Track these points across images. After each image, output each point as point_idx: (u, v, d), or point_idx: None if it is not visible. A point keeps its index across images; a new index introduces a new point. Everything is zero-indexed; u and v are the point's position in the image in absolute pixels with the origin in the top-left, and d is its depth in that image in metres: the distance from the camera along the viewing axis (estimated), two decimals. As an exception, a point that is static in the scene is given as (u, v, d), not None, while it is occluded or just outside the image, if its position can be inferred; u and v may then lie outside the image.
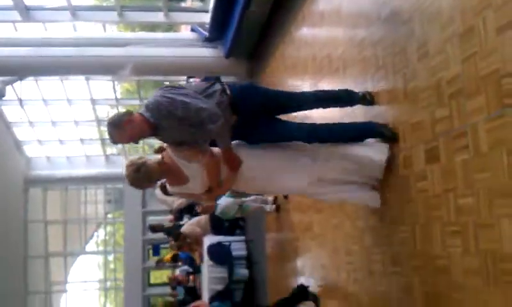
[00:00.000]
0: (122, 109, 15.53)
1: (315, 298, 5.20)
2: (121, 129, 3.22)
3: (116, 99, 14.64)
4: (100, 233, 22.12)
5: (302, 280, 5.67)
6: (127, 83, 15.95)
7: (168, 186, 3.67)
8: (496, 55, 2.30)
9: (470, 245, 2.52)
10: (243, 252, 8.68)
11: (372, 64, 3.75)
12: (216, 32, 8.45)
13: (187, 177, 3.34)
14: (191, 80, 9.81)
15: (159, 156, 3.47)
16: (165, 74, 9.96)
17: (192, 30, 10.04)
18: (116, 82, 13.73)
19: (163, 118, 3.20)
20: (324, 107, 3.86)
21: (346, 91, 3.85)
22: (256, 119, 3.45)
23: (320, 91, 4.15)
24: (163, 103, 3.19)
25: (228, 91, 3.36)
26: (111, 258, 20.66)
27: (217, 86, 3.37)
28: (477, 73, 2.44)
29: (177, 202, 10.18)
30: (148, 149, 15.00)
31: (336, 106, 3.95)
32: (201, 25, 9.22)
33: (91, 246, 20.99)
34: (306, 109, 3.92)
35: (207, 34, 8.87)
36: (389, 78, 3.45)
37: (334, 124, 3.71)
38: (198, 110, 3.15)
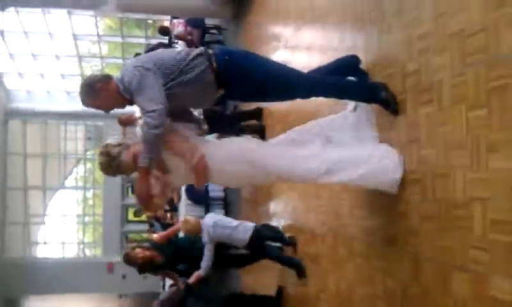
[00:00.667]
0: (104, 46, 15.57)
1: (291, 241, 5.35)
2: (95, 93, 3.05)
3: (98, 35, 14.52)
4: (80, 170, 22.15)
5: (274, 222, 5.91)
6: (109, 18, 15.72)
7: None
8: (464, 14, 2.44)
9: (428, 193, 2.72)
10: (220, 194, 8.90)
11: (351, 14, 3.86)
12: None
13: (169, 169, 3.12)
14: (175, 20, 9.80)
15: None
16: (150, 13, 9.91)
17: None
18: (98, 17, 13.56)
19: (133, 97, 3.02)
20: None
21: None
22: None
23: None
24: (132, 83, 2.98)
25: (215, 65, 3.05)
26: (89, 194, 20.86)
27: (202, 61, 3.06)
28: (445, 31, 2.58)
29: None
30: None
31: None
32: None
33: (70, 182, 21.06)
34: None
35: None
36: (366, 29, 3.58)
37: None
38: (145, 106, 2.93)
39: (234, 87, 3.15)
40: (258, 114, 7.20)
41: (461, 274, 2.43)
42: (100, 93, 3.04)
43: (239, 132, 7.33)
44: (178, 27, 9.61)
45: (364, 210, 3.52)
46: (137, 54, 8.46)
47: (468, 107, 2.39)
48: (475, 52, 2.35)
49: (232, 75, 3.09)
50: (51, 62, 15.13)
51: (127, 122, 7.37)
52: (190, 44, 9.39)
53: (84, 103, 3.13)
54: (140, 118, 6.81)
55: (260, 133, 7.06)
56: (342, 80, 3.38)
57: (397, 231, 3.04)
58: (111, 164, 3.16)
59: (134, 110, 7.00)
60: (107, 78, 3.09)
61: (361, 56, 3.48)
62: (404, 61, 2.98)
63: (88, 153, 20.75)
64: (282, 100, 3.70)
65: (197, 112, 6.63)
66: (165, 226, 9.84)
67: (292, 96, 3.42)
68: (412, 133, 2.88)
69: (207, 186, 8.58)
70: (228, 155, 3.14)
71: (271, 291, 5.75)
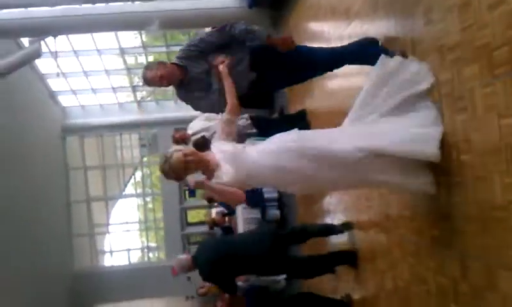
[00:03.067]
0: (150, 57, 15.99)
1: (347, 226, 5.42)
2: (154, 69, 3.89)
3: (144, 47, 14.97)
4: (137, 176, 22.85)
5: (328, 219, 6.10)
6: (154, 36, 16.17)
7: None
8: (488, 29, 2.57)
9: (469, 195, 2.86)
10: (274, 195, 9.12)
11: (383, 24, 4.01)
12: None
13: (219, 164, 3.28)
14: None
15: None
16: (191, 27, 10.23)
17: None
18: (143, 34, 13.99)
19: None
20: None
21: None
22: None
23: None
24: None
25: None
26: (148, 199, 21.49)
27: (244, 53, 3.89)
28: (473, 43, 2.71)
29: None
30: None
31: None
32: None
33: (129, 189, 21.80)
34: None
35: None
36: (399, 38, 3.72)
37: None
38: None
39: None
40: (303, 115, 7.39)
41: (506, 272, 2.56)
42: (159, 66, 4.03)
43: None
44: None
45: (411, 212, 3.67)
46: None
47: (499, 115, 2.53)
48: (501, 64, 2.48)
49: None
50: (102, 77, 15.70)
51: (181, 139, 7.68)
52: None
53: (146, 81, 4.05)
54: (192, 135, 7.14)
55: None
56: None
57: (443, 232, 3.19)
58: (164, 169, 3.31)
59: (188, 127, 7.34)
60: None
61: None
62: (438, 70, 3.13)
63: (144, 159, 21.41)
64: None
65: (244, 119, 6.94)
66: (224, 228, 10.16)
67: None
68: (451, 138, 3.02)
69: (261, 188, 8.82)
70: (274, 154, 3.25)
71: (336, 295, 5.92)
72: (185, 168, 3.28)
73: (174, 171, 3.30)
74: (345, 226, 5.39)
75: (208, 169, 3.32)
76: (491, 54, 2.55)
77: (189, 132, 7.40)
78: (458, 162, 2.95)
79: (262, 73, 3.99)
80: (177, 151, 3.30)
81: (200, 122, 7.25)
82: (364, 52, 3.92)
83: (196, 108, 4.25)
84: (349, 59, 4.13)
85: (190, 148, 3.93)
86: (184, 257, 5.41)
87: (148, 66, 4.01)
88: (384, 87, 3.31)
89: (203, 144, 7.08)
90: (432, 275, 3.40)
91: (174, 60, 3.98)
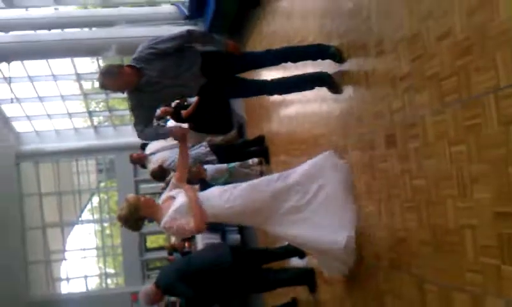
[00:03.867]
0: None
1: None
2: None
3: (101, 72, 14.84)
4: (94, 202, 22.47)
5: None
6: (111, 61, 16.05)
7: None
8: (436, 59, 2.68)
9: (423, 220, 2.94)
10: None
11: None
12: (196, 9, 8.69)
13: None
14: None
15: None
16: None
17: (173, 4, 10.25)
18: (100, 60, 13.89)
19: None
20: (296, 61, 4.43)
21: (318, 45, 4.34)
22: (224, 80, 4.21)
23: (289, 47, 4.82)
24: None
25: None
26: (106, 224, 21.12)
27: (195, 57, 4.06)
28: (423, 73, 2.82)
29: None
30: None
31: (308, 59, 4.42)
32: (182, 3, 9.45)
33: (86, 215, 21.40)
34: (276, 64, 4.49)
35: (187, 12, 9.11)
36: (353, 68, 3.82)
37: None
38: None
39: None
40: (261, 140, 7.48)
41: (461, 295, 2.63)
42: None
43: (245, 158, 7.63)
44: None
45: (370, 235, 3.74)
46: None
47: (449, 142, 2.62)
48: (450, 93, 2.58)
49: None
50: (57, 102, 15.46)
51: (138, 159, 7.64)
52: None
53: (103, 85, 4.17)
54: (150, 155, 7.11)
55: (265, 156, 7.35)
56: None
57: (399, 256, 3.26)
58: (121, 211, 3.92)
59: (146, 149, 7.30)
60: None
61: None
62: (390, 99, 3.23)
63: (101, 185, 21.08)
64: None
65: (203, 146, 6.95)
66: (184, 254, 10.07)
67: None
68: (404, 165, 3.11)
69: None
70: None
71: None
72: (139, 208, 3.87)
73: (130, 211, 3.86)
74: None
75: (157, 216, 3.90)
76: (440, 83, 2.66)
77: (147, 152, 7.37)
78: (412, 187, 3.04)
79: (211, 78, 4.16)
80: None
81: (157, 143, 7.20)
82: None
83: (137, 118, 4.24)
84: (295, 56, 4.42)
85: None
86: (148, 287, 5.18)
87: (106, 73, 3.96)
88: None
89: (160, 174, 7.08)
90: (391, 299, 3.46)
91: (131, 62, 4.00)
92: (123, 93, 4.11)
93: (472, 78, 2.40)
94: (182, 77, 4.00)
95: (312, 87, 4.37)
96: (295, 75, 4.55)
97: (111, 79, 3.91)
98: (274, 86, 4.40)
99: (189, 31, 4.01)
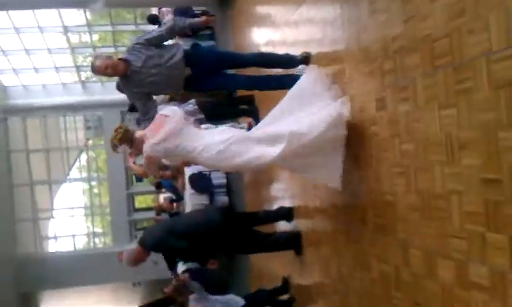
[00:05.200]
0: (94, 35, 15.59)
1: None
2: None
3: (88, 25, 14.55)
4: (82, 160, 22.35)
5: (276, 206, 6.12)
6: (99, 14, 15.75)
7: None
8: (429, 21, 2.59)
9: (411, 184, 2.91)
10: (223, 181, 9.09)
11: (329, 11, 4.01)
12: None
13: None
14: (163, 9, 9.87)
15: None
16: (137, 5, 9.98)
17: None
18: (88, 13, 13.61)
19: None
20: (268, 67, 4.96)
21: (287, 55, 4.76)
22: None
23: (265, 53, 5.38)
24: None
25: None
26: (94, 183, 21.07)
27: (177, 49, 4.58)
28: (415, 34, 2.73)
29: None
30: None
31: (278, 68, 4.87)
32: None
33: (74, 173, 21.30)
34: (251, 66, 4.94)
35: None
36: (345, 30, 3.72)
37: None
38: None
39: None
40: (250, 100, 7.38)
41: (445, 261, 2.62)
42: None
43: (233, 116, 7.57)
44: (168, 15, 9.68)
45: (356, 200, 3.71)
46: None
47: (440, 106, 2.56)
48: (442, 55, 2.51)
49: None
50: (44, 56, 15.18)
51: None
52: (180, 33, 9.47)
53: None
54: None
55: (254, 115, 7.27)
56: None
57: (386, 220, 3.24)
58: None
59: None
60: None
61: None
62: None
63: (90, 142, 20.93)
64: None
65: (191, 104, 6.85)
66: (172, 215, 10.06)
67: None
68: (394, 128, 3.06)
69: (209, 174, 8.78)
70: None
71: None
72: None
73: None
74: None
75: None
76: (432, 45, 2.58)
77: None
78: (400, 151, 2.99)
79: (194, 69, 4.58)
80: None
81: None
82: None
83: (131, 100, 5.01)
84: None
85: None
86: (131, 247, 5.12)
87: (97, 57, 4.53)
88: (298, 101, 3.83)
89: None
90: (376, 263, 3.46)
91: (120, 56, 4.56)
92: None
93: (465, 41, 2.33)
94: (165, 66, 4.46)
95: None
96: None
97: (99, 63, 4.43)
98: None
99: (171, 27, 4.53)
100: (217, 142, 3.67)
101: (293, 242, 5.24)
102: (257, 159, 3.61)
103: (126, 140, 4.04)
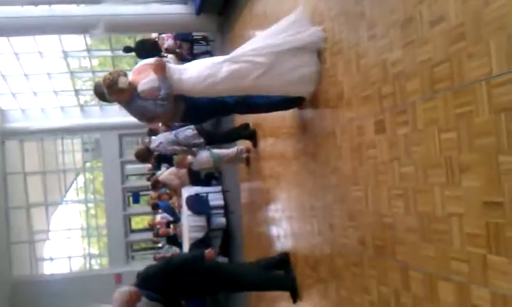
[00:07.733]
0: (94, 60, 15.70)
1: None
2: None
3: (88, 50, 14.64)
4: (80, 182, 22.29)
5: (273, 228, 6.11)
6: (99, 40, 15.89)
7: None
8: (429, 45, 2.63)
9: (410, 207, 2.92)
10: (220, 202, 9.08)
11: (329, 36, 4.06)
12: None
13: None
14: (163, 35, 9.97)
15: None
16: (136, 31, 10.07)
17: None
18: (88, 38, 13.71)
19: None
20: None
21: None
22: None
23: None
24: None
25: None
26: (91, 205, 20.97)
27: None
28: (415, 58, 2.77)
29: None
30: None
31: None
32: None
33: (71, 194, 21.21)
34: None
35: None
36: (344, 52, 3.77)
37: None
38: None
39: None
40: (247, 126, 7.40)
41: (445, 284, 2.62)
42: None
43: (232, 141, 7.61)
44: (168, 40, 9.77)
45: (355, 222, 3.72)
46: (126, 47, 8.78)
47: (439, 129, 2.59)
48: (442, 79, 2.54)
49: None
50: (43, 80, 15.25)
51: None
52: (180, 57, 9.56)
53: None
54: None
55: (253, 139, 7.29)
56: None
57: (386, 242, 3.24)
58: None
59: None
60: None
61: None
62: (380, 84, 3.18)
63: (87, 164, 20.89)
64: None
65: (191, 129, 6.89)
66: (169, 239, 10.04)
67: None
68: (392, 152, 3.08)
69: (206, 196, 8.78)
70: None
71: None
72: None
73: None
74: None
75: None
76: (432, 69, 2.62)
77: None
78: (400, 174, 3.01)
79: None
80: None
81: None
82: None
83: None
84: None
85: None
86: (123, 289, 4.80)
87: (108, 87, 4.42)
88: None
89: (144, 155, 7.08)
90: (375, 285, 3.45)
91: None
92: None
93: (465, 65, 2.37)
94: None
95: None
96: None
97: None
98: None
99: None
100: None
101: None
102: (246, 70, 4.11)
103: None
